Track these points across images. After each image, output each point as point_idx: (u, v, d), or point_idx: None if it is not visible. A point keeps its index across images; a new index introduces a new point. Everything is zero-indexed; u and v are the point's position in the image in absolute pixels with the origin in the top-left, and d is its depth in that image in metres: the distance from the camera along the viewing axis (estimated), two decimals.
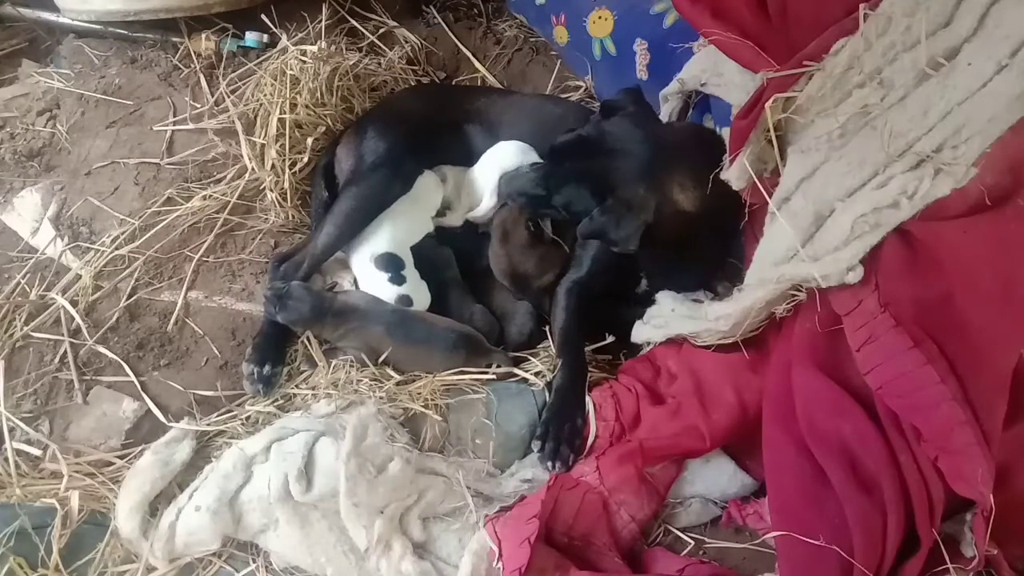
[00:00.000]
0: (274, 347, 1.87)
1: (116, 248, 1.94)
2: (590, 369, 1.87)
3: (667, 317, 1.83)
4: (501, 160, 2.06)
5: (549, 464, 1.68)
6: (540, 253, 1.98)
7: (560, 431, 1.71)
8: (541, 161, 1.97)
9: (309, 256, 1.96)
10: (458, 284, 2.05)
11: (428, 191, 2.06)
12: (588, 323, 1.92)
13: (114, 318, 1.87)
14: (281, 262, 1.97)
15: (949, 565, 1.36)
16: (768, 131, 1.51)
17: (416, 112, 2.15)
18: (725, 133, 1.84)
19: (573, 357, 1.83)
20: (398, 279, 1.94)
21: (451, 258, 2.07)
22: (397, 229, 1.99)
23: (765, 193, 1.53)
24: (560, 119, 2.16)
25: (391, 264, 1.95)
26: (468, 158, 2.16)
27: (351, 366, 1.84)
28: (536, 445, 1.71)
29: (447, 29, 2.65)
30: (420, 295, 1.96)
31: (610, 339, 1.93)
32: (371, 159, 2.02)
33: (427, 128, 2.10)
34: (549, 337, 1.96)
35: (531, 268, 1.98)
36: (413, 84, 2.47)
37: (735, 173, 1.59)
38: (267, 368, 1.81)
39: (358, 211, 1.96)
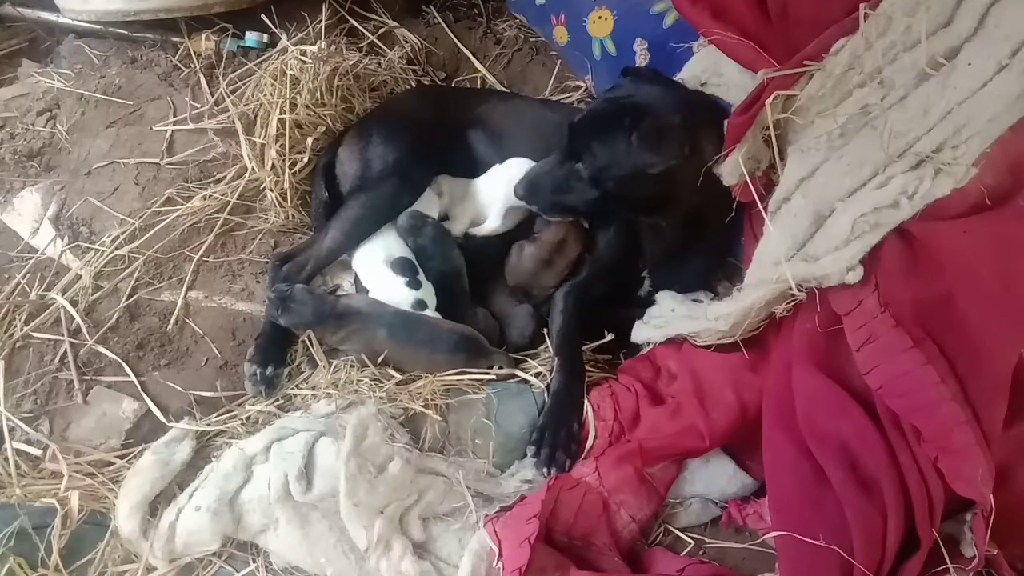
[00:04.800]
0: (276, 348, 1.87)
1: (116, 248, 1.94)
2: (589, 369, 1.87)
3: (667, 317, 1.84)
4: (509, 181, 2.02)
5: (545, 470, 1.68)
6: (563, 267, 1.99)
7: (556, 437, 1.71)
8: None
9: (313, 259, 1.96)
10: (463, 288, 2.05)
11: (425, 207, 2.05)
12: (586, 327, 1.92)
13: (114, 318, 1.87)
14: (282, 262, 1.97)
15: (949, 565, 1.36)
16: (765, 129, 1.52)
17: (420, 117, 2.14)
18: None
19: (570, 361, 1.82)
20: (415, 283, 1.94)
21: (462, 266, 2.06)
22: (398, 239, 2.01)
23: (753, 192, 1.54)
24: (562, 124, 2.16)
25: (408, 268, 1.95)
26: (472, 164, 2.15)
27: (351, 366, 1.84)
28: (531, 451, 1.70)
29: (447, 29, 2.65)
30: (431, 299, 1.96)
31: (610, 337, 1.93)
32: (379, 167, 2.01)
33: (432, 135, 2.10)
34: (548, 339, 1.96)
35: (551, 280, 1.99)
36: (413, 84, 2.47)
37: (728, 169, 1.59)
38: (269, 369, 1.81)
39: (366, 219, 1.96)
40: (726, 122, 1.65)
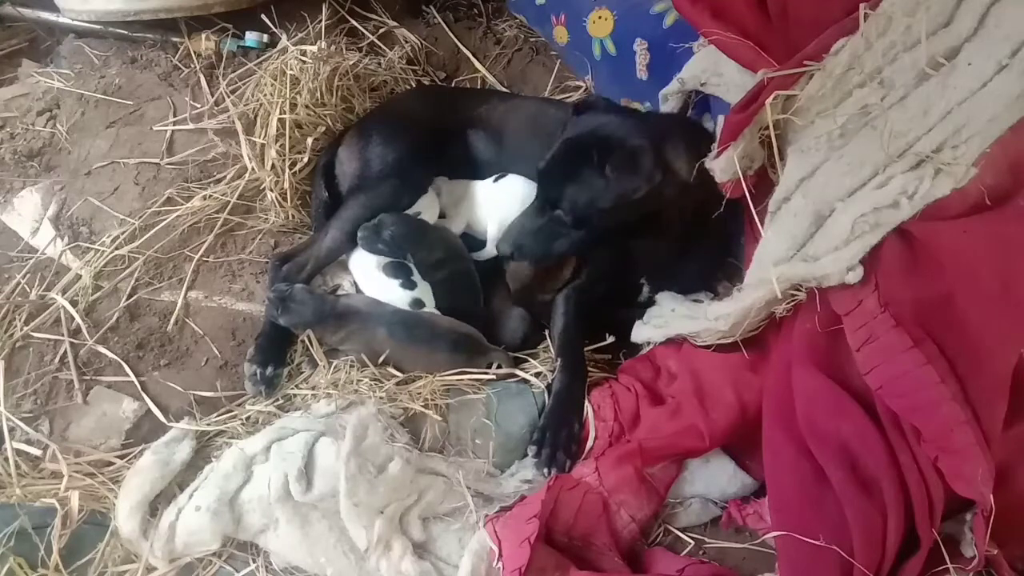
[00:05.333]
0: (276, 348, 1.87)
1: (116, 248, 1.94)
2: (590, 369, 1.86)
3: (667, 317, 1.83)
4: (507, 204, 2.02)
5: (545, 471, 1.68)
6: (563, 272, 1.98)
7: (557, 437, 1.71)
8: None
9: (312, 259, 1.96)
10: (462, 271, 2.04)
11: (425, 208, 2.05)
12: (587, 328, 1.92)
13: (114, 318, 1.87)
14: (281, 262, 1.97)
15: (949, 565, 1.36)
16: (763, 129, 1.52)
17: (420, 117, 2.14)
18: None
19: (572, 362, 1.82)
20: (409, 284, 1.95)
21: (454, 247, 2.04)
22: None
23: (745, 190, 1.54)
24: (561, 123, 2.16)
25: (400, 270, 1.96)
26: (472, 165, 2.15)
27: (351, 366, 1.84)
28: (532, 451, 1.71)
29: (447, 29, 2.65)
30: (428, 297, 1.97)
31: (610, 339, 1.93)
32: (379, 166, 2.02)
33: (432, 135, 2.10)
34: (549, 341, 1.96)
35: (552, 285, 1.98)
36: (413, 84, 2.47)
37: (721, 165, 1.59)
38: (269, 369, 1.82)
39: (366, 219, 1.95)
40: (720, 118, 1.65)
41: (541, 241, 1.81)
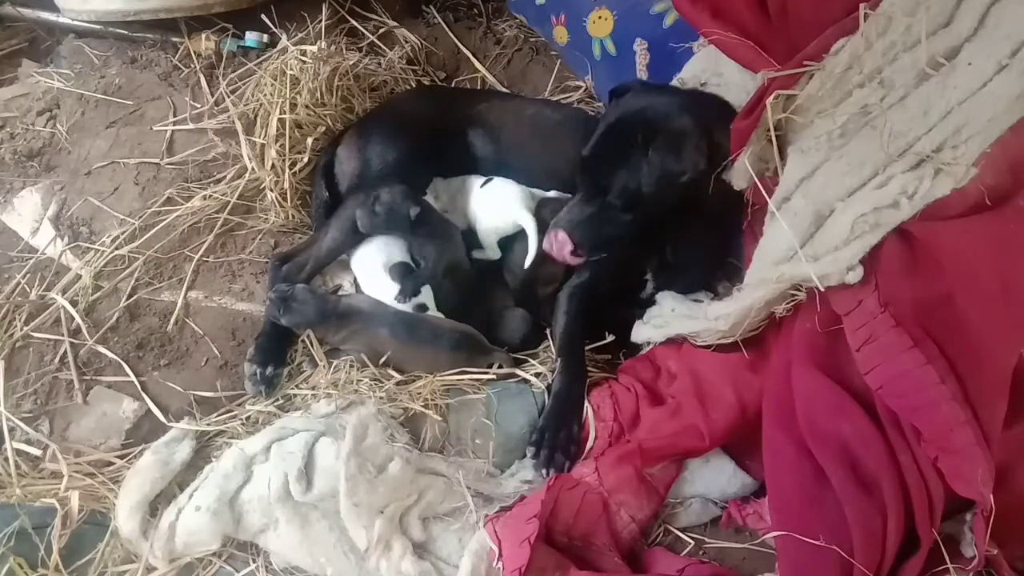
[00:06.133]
0: (276, 348, 1.87)
1: (116, 248, 1.94)
2: (589, 369, 1.86)
3: (667, 317, 1.83)
4: (493, 210, 2.02)
5: (543, 472, 1.68)
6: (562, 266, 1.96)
7: (556, 438, 1.71)
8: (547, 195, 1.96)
9: (312, 259, 1.96)
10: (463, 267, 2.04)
11: None
12: (589, 327, 1.91)
13: (114, 318, 1.87)
14: (281, 263, 1.97)
15: (949, 565, 1.36)
16: (769, 130, 1.51)
17: (420, 117, 2.14)
18: None
19: (573, 362, 1.82)
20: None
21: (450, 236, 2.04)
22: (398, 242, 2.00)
23: (765, 193, 1.53)
24: (560, 124, 2.16)
25: (406, 273, 1.95)
26: (472, 164, 2.15)
27: (351, 366, 1.84)
28: (530, 452, 1.70)
29: (447, 29, 2.65)
30: (431, 301, 1.96)
31: (610, 339, 1.92)
32: (379, 166, 2.02)
33: (432, 135, 2.10)
34: (550, 340, 1.95)
35: (552, 279, 1.98)
36: (413, 84, 2.47)
37: (737, 173, 1.59)
38: (269, 369, 1.81)
39: None
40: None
41: (597, 230, 1.77)
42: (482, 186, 2.08)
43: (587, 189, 1.79)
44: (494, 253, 2.06)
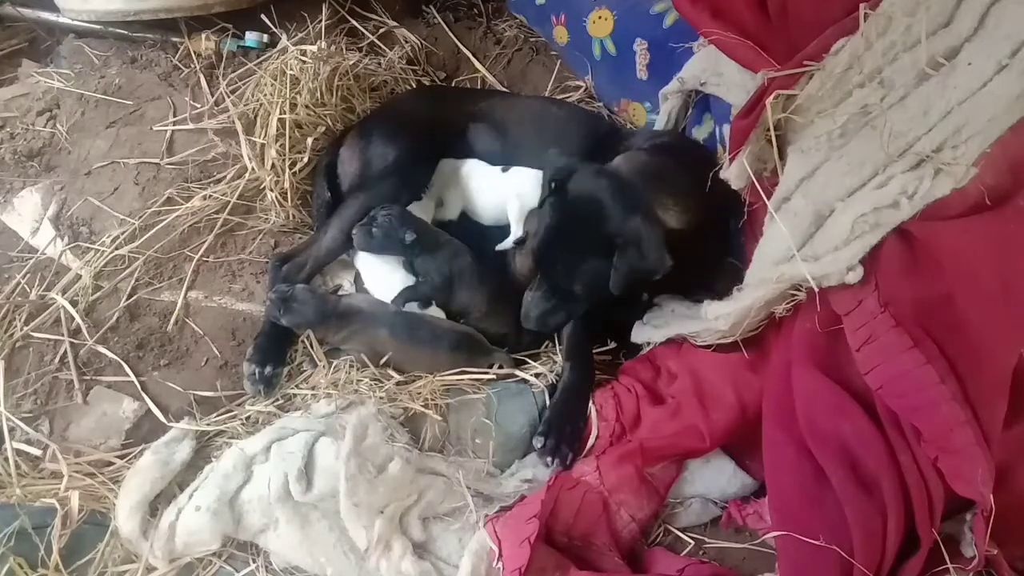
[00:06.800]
0: (275, 348, 1.87)
1: (116, 248, 1.94)
2: None
3: (667, 317, 1.84)
4: (529, 189, 2.02)
5: (549, 459, 1.69)
6: None
7: (562, 430, 1.72)
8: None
9: (312, 258, 1.96)
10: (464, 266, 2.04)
11: (419, 213, 2.04)
12: (596, 329, 1.92)
13: (114, 318, 1.87)
14: (281, 263, 1.97)
15: (949, 565, 1.36)
16: (768, 130, 1.51)
17: (421, 117, 2.15)
18: (726, 131, 1.84)
19: (581, 361, 1.84)
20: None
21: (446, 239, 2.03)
22: None
23: (763, 193, 1.53)
24: (563, 121, 2.16)
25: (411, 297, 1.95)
26: None
27: (351, 366, 1.84)
28: (538, 441, 1.71)
29: (447, 29, 2.66)
30: (441, 314, 1.96)
31: (612, 346, 1.95)
32: (379, 166, 2.02)
33: (433, 134, 2.10)
34: (556, 341, 1.96)
35: None
36: (413, 84, 2.47)
37: (734, 172, 1.59)
38: (268, 369, 1.81)
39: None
40: (726, 127, 1.63)
41: (562, 313, 1.82)
42: (504, 171, 2.08)
43: (547, 284, 1.79)
44: (519, 233, 2.04)
